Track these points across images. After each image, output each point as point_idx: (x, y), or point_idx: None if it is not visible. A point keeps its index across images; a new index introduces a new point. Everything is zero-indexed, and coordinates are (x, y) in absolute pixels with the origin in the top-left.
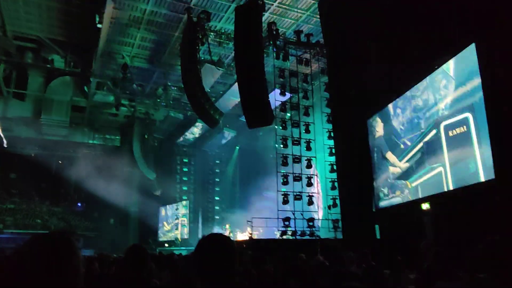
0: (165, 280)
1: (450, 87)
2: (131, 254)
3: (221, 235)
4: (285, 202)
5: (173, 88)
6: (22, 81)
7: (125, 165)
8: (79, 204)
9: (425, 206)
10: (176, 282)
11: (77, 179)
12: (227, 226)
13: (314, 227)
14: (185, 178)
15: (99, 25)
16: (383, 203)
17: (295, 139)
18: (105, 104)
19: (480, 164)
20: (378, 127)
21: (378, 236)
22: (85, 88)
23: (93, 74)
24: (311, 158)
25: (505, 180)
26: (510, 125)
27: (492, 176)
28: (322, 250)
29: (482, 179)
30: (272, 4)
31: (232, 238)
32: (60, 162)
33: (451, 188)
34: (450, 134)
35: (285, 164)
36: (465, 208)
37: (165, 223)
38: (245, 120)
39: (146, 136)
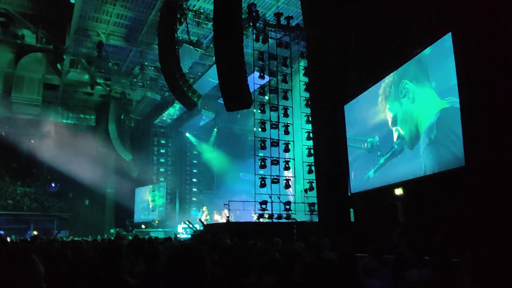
0: (139, 268)
1: (426, 76)
2: (107, 254)
3: (192, 248)
4: (263, 185)
5: (150, 67)
6: None
7: (100, 145)
8: (53, 185)
9: (398, 191)
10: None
11: (50, 159)
12: (204, 208)
13: (291, 210)
14: (162, 160)
15: (72, 0)
16: (358, 187)
17: (273, 122)
18: (80, 82)
19: (451, 152)
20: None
21: (352, 219)
22: (58, 65)
23: (66, 51)
24: (289, 142)
25: (474, 168)
26: (482, 113)
27: (462, 164)
28: (298, 233)
29: (453, 167)
30: None
31: (209, 221)
32: (32, 141)
33: (423, 174)
34: (425, 121)
35: (263, 148)
36: (435, 194)
37: (141, 204)
38: (223, 103)
39: (122, 117)
